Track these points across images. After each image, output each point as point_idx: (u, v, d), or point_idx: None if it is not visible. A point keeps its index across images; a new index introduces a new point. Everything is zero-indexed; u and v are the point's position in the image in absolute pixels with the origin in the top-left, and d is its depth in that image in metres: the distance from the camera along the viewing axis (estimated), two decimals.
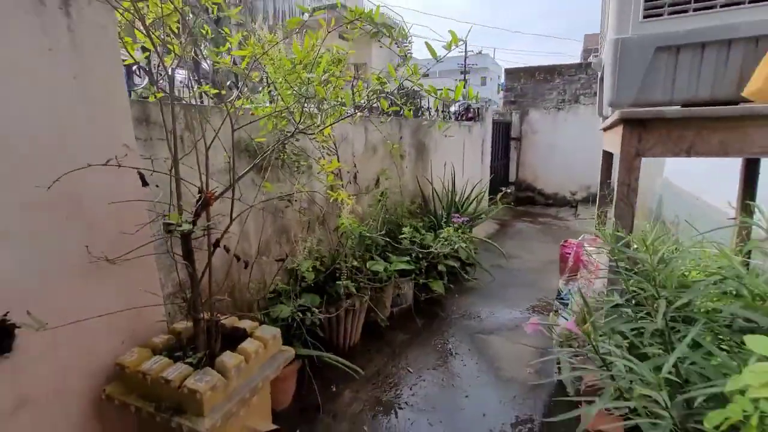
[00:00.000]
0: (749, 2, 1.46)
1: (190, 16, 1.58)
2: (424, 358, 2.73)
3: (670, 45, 1.58)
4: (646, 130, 1.58)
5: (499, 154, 7.79)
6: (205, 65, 1.98)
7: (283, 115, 1.71)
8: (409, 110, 1.78)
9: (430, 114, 4.56)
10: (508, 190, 6.26)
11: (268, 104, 1.95)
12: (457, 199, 4.50)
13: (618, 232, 1.47)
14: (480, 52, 41.69)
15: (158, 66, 1.63)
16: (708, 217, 2.64)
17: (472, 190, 4.80)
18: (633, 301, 1.31)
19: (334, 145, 2.41)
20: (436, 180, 4.59)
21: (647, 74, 1.63)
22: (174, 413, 1.28)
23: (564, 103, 7.99)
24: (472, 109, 6.19)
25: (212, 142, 1.48)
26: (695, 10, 1.54)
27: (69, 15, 1.23)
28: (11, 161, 1.13)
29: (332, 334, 2.61)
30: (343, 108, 1.68)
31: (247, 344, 1.49)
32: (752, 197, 2.07)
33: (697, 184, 3.24)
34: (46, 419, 1.28)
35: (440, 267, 3.56)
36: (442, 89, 1.63)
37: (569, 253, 2.67)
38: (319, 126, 1.59)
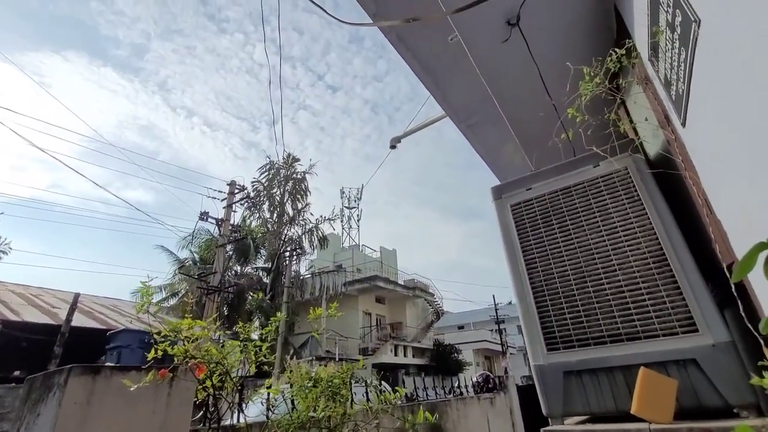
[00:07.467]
0: (610, 342, 2.12)
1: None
2: None
3: (572, 370, 2.18)
4: None
5: (535, 425, 7.36)
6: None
7: None
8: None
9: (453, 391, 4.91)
10: None
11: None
12: None
13: None
14: (510, 303, 43.76)
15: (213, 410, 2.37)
16: None
17: None
18: None
19: None
20: None
21: (566, 391, 2.16)
22: None
23: None
24: (491, 380, 6.45)
25: None
26: (578, 346, 2.20)
27: (171, 386, 2.06)
28: None
29: None
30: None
31: None
32: None
33: None
34: None
35: None
36: None
37: None
38: None
